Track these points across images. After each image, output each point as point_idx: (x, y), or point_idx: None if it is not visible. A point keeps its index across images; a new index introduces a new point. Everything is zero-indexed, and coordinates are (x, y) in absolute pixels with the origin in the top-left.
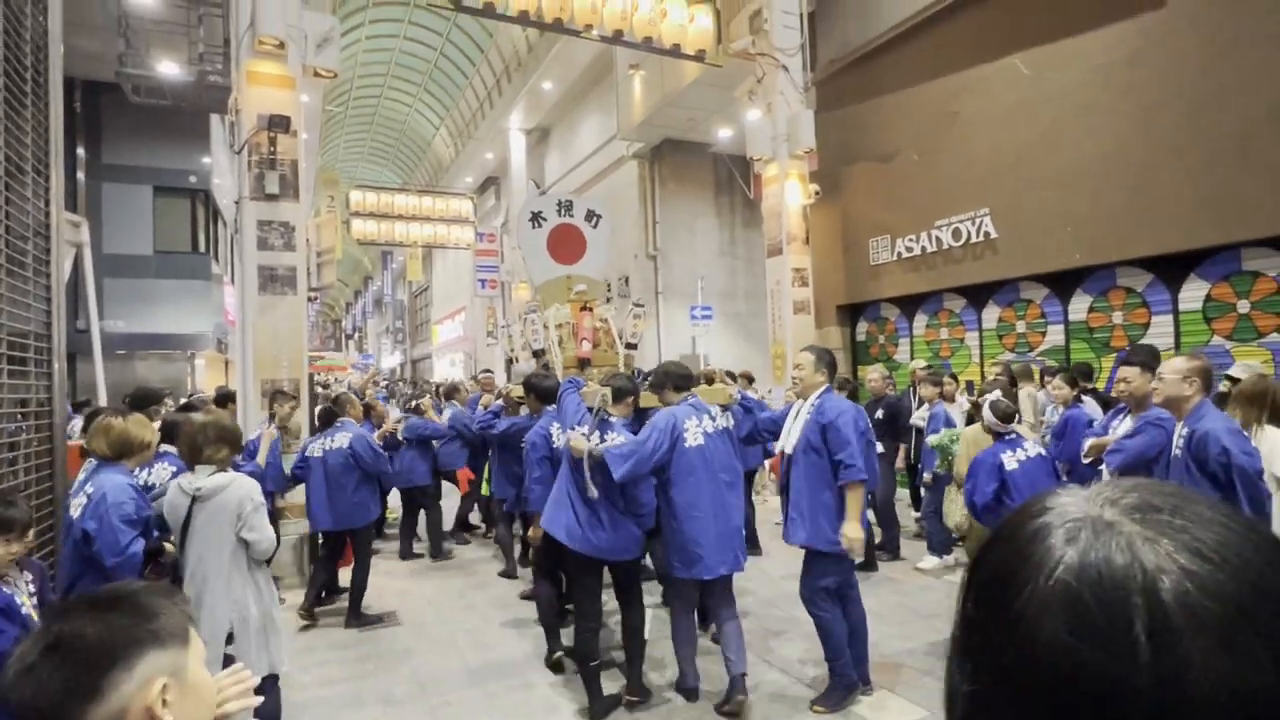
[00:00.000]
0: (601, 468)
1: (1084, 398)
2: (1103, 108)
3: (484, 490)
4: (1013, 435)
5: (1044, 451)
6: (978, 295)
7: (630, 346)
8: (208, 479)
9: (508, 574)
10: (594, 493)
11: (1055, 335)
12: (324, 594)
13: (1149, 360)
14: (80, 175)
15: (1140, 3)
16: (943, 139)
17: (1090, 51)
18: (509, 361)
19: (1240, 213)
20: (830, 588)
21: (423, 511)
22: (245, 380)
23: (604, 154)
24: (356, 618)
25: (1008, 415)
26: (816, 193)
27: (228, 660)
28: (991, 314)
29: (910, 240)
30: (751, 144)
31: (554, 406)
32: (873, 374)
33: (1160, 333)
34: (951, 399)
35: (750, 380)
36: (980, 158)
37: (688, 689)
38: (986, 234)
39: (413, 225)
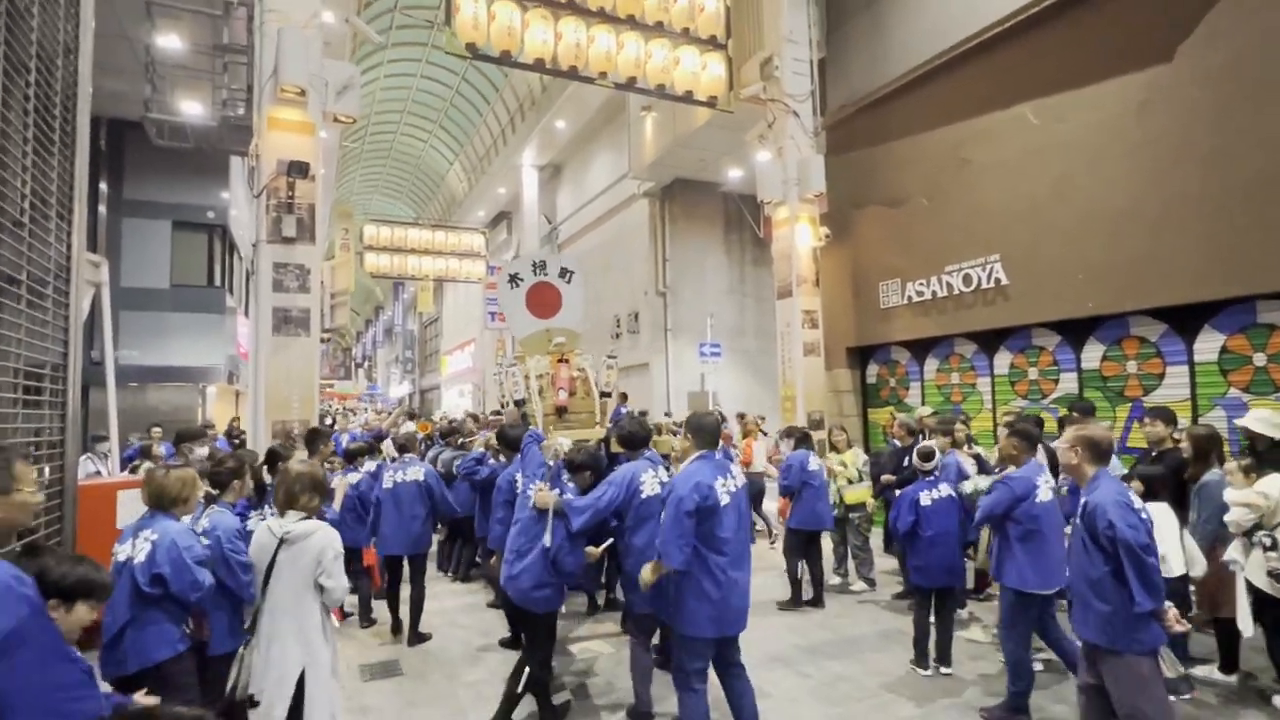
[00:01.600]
0: (563, 517)
1: None
2: (1114, 157)
3: None
4: (931, 477)
5: (954, 494)
6: (989, 341)
7: (604, 395)
8: (296, 524)
9: (495, 605)
10: (549, 541)
11: (1068, 383)
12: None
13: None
14: (102, 209)
15: (1147, 56)
16: (953, 185)
17: (1100, 102)
18: (503, 403)
19: (1254, 265)
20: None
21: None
22: (256, 420)
23: (615, 191)
24: (418, 636)
25: (927, 457)
26: (827, 235)
27: (295, 706)
28: (1003, 360)
29: (921, 284)
30: (762, 187)
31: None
32: (897, 425)
33: (1176, 384)
34: (962, 446)
35: (759, 420)
36: (991, 204)
37: (640, 714)
38: (997, 280)
39: (425, 259)
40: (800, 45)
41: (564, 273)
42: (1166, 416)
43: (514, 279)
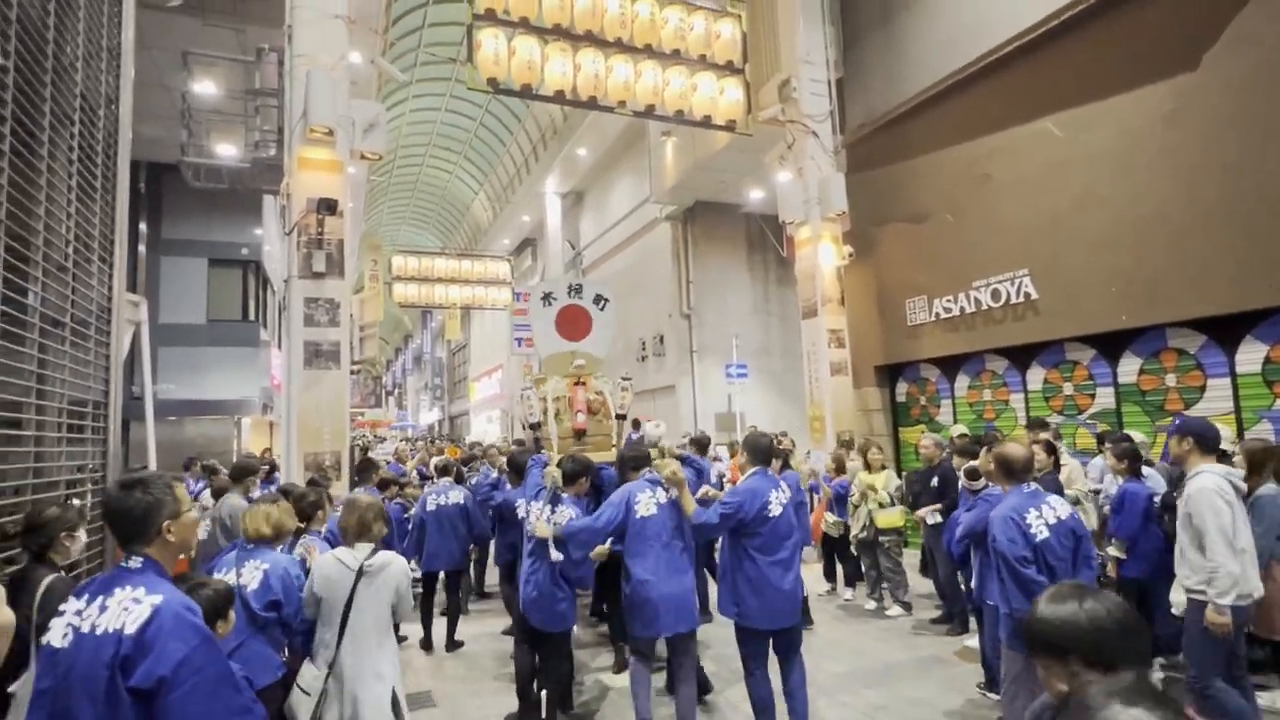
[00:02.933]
0: (562, 543)
1: (1145, 469)
2: (1141, 168)
3: None
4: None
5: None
6: (1021, 356)
7: (620, 417)
8: (374, 556)
9: (510, 632)
10: (556, 555)
11: (1105, 398)
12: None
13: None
14: (141, 249)
15: (1172, 64)
16: (976, 200)
17: (1125, 113)
18: (535, 425)
19: None
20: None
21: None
22: (289, 452)
23: (637, 216)
24: (455, 644)
25: (974, 476)
26: (850, 254)
27: None
28: (1036, 375)
29: (948, 301)
30: (783, 207)
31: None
32: (925, 440)
33: (1218, 396)
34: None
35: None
36: (1016, 219)
37: None
38: (1027, 294)
39: (452, 287)
40: (817, 66)
41: (598, 299)
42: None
43: (547, 298)
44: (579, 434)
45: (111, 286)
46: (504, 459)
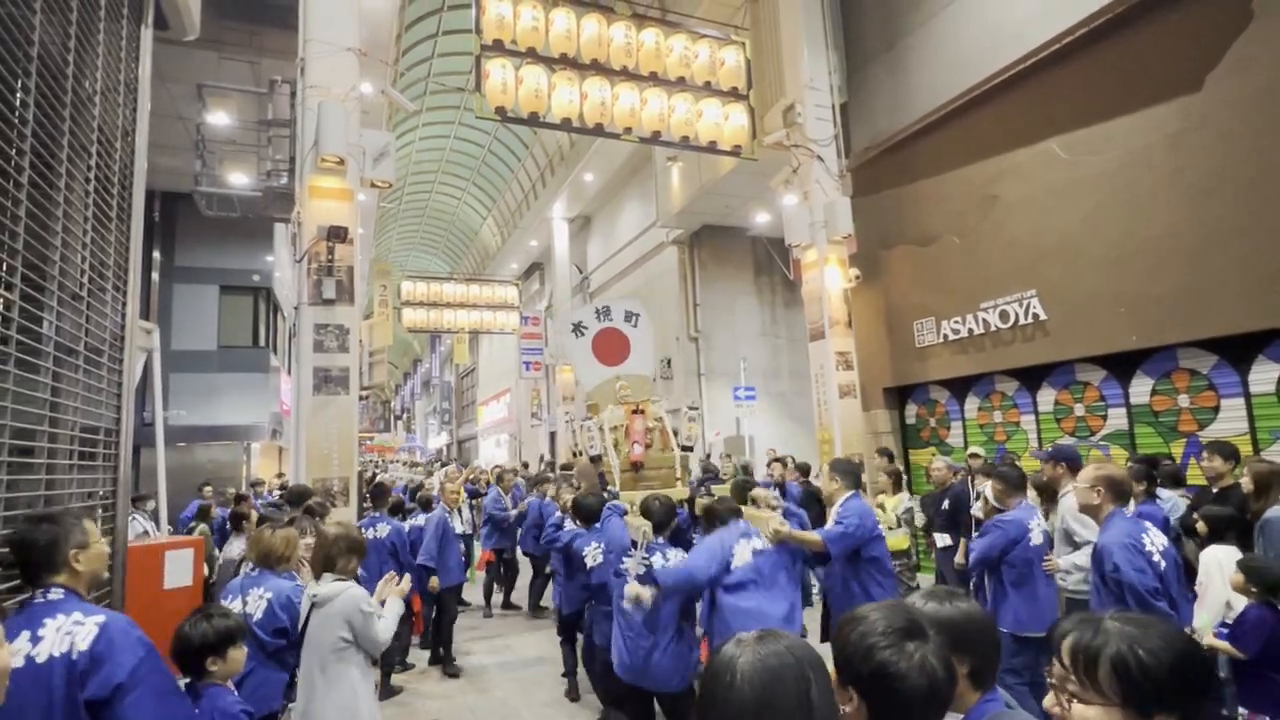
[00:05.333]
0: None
1: (1160, 493)
2: (1148, 189)
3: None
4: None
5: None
6: (1031, 377)
7: (686, 449)
8: (325, 586)
9: (570, 695)
10: (642, 607)
11: (1117, 419)
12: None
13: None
14: (154, 276)
15: (1175, 86)
16: (983, 222)
17: (1130, 135)
18: (575, 453)
19: None
20: None
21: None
22: (298, 477)
23: (644, 240)
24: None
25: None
26: (857, 276)
27: None
28: (1047, 397)
29: (956, 322)
30: (790, 231)
31: (598, 525)
32: (937, 463)
33: (1232, 417)
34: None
35: (805, 472)
36: (1023, 240)
37: None
38: (1035, 315)
39: (460, 312)
40: (821, 91)
41: (629, 316)
42: (1226, 451)
43: (578, 328)
44: (636, 467)
45: (125, 314)
46: (540, 489)
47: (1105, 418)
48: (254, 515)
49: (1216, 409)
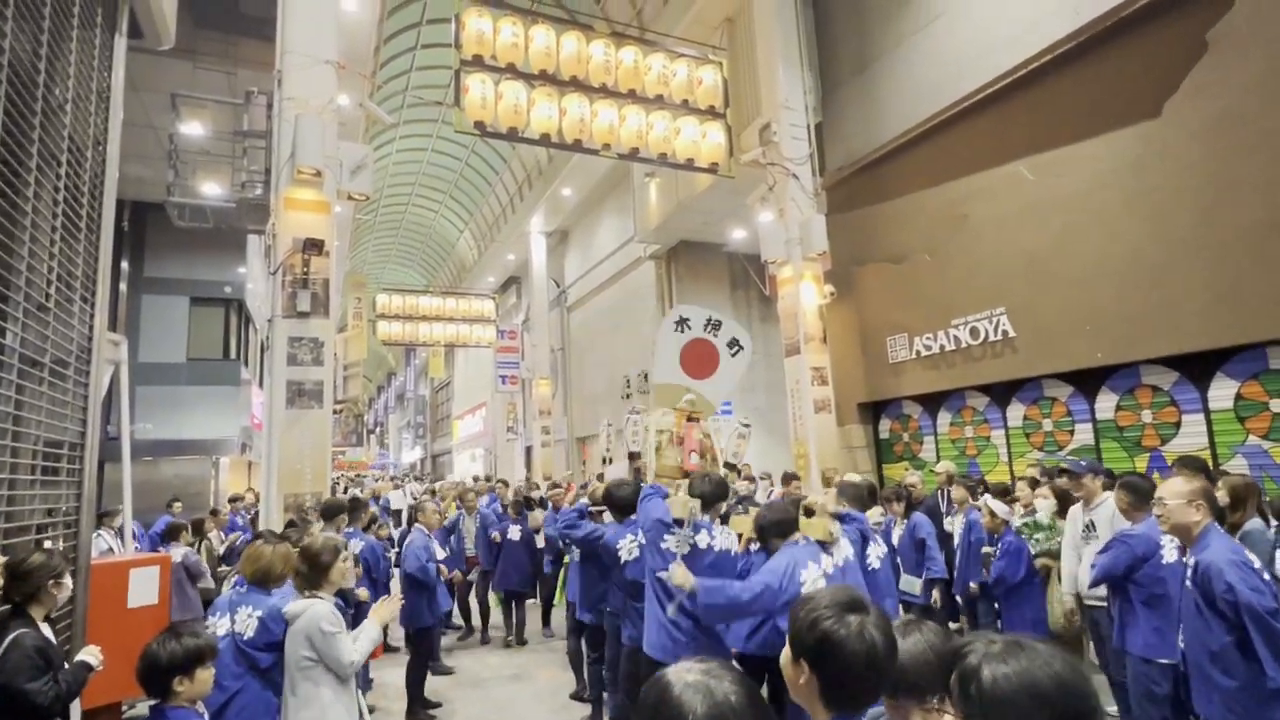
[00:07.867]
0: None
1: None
2: (1112, 210)
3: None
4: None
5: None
6: (1001, 393)
7: (730, 467)
8: (294, 603)
9: (577, 696)
10: (672, 611)
11: (1084, 434)
12: None
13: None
14: (123, 287)
15: (1135, 113)
16: (954, 240)
17: (1093, 158)
18: (634, 454)
19: (1260, 312)
20: None
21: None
22: (269, 492)
23: (622, 254)
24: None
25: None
26: (831, 293)
27: None
28: (1016, 412)
29: (928, 339)
30: (765, 247)
31: (634, 516)
32: (910, 477)
33: (1193, 432)
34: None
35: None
36: (993, 259)
37: None
38: (1005, 333)
39: (436, 325)
40: (796, 111)
41: (733, 344)
42: (1195, 466)
43: (681, 323)
44: (686, 475)
45: (93, 326)
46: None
47: (1072, 433)
48: (215, 533)
49: (1178, 425)
